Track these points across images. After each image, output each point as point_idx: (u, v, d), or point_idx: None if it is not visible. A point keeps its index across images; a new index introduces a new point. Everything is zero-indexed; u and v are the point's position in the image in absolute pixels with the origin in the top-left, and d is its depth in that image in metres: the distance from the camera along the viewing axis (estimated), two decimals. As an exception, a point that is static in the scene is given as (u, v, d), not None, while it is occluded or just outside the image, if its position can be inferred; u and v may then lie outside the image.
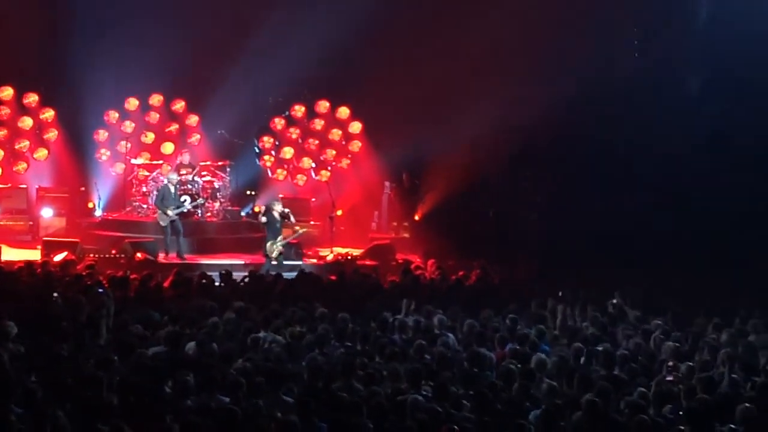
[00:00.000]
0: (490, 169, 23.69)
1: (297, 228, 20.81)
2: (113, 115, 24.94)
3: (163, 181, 21.80)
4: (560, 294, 15.73)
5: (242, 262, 20.23)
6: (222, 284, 16.60)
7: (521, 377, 10.62)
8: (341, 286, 16.80)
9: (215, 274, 17.05)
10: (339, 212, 23.97)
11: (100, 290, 13.97)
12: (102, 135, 24.90)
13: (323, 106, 26.04)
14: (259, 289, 16.20)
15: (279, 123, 25.98)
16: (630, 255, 20.72)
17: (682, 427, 9.05)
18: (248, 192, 25.32)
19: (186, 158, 23.09)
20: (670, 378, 11.17)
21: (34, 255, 19.97)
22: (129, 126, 24.96)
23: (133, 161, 23.98)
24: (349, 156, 26.13)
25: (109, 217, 23.58)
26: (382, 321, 13.42)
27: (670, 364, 11.61)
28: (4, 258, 19.87)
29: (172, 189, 21.07)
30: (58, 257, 19.08)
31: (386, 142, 25.01)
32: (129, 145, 24.24)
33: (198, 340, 11.87)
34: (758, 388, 10.74)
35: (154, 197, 21.78)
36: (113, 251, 20.37)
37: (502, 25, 22.55)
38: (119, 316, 13.09)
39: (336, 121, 26.17)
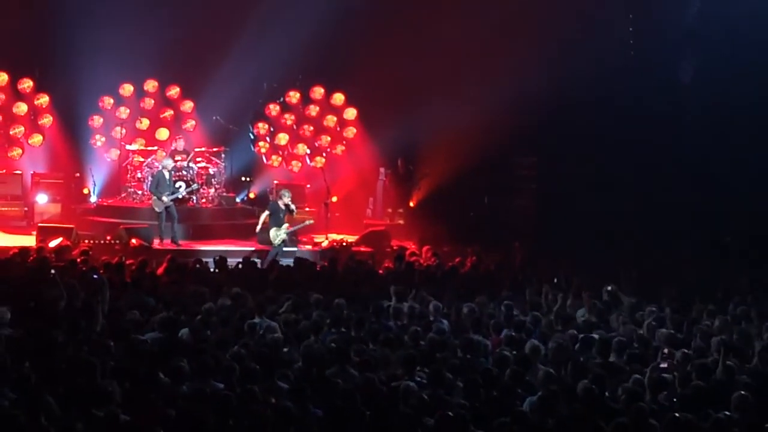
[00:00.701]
0: (486, 156, 23.69)
1: (306, 219, 20.86)
2: (108, 101, 24.92)
3: (158, 167, 21.76)
4: (555, 281, 15.72)
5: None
6: (216, 270, 16.59)
7: (516, 364, 10.62)
8: (336, 273, 16.78)
9: (210, 261, 17.04)
10: (334, 199, 23.94)
11: (95, 276, 13.93)
12: (97, 121, 24.90)
13: (318, 92, 26.01)
14: (254, 275, 16.19)
15: (274, 109, 25.95)
16: (625, 241, 20.77)
17: (677, 414, 9.05)
18: (243, 178, 25.31)
19: (181, 144, 23.04)
20: (664, 365, 11.17)
21: (29, 241, 19.92)
22: (124, 112, 24.92)
23: (128, 147, 23.91)
24: (344, 142, 26.11)
25: (104, 203, 23.57)
26: (377, 307, 13.42)
27: (665, 351, 11.62)
28: (-1, 244, 19.87)
29: (167, 175, 21.01)
30: (53, 243, 19.03)
31: (381, 129, 24.99)
32: (124, 131, 24.21)
33: (192, 326, 11.87)
34: (752, 374, 10.76)
35: (149, 183, 21.71)
36: (108, 237, 20.35)
37: (498, 11, 22.57)
38: (114, 302, 13.08)
39: (331, 107, 26.13)
